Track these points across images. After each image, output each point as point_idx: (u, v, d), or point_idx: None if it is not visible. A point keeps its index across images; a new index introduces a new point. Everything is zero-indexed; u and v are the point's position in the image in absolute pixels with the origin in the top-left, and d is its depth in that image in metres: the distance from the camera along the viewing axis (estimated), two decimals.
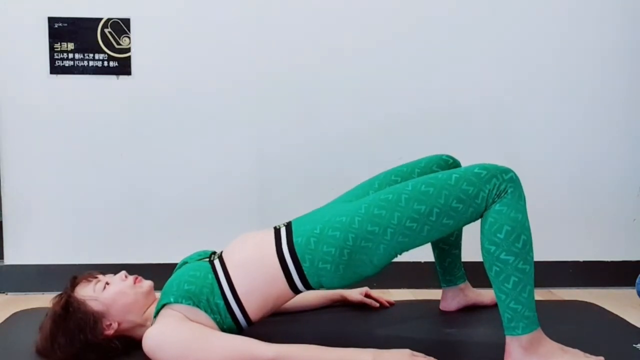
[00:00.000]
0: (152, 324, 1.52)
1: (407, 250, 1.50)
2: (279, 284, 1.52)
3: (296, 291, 1.55)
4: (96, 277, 1.59)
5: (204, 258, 1.65)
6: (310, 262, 1.49)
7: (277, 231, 1.58)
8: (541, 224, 2.35)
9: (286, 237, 1.54)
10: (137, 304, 1.57)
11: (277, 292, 1.53)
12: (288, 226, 1.58)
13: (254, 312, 1.53)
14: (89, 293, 1.54)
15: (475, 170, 1.45)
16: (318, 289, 1.55)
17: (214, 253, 1.68)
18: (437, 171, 1.70)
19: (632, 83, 2.44)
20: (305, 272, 1.50)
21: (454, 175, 1.45)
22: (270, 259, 1.52)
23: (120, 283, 1.58)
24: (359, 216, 1.47)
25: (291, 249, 1.51)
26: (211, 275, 1.53)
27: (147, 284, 1.62)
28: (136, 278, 1.61)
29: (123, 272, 1.61)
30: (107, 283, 1.57)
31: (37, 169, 2.36)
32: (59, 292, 1.57)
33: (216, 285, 1.52)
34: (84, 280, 1.58)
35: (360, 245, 1.46)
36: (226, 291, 1.51)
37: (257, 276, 1.52)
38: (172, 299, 1.50)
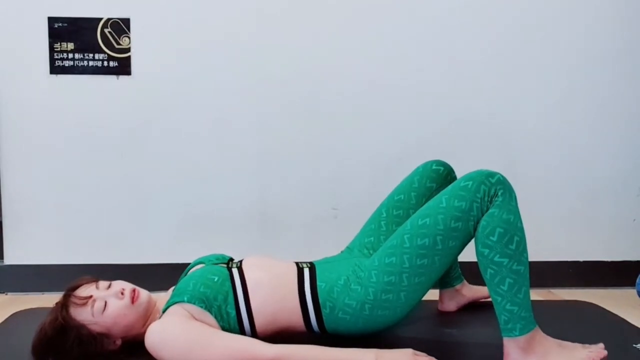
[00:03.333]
0: (158, 318, 1.52)
1: (427, 289, 1.51)
2: (294, 316, 1.54)
3: (310, 330, 1.56)
4: (90, 296, 1.49)
5: (221, 263, 1.65)
6: (330, 309, 1.51)
7: (300, 270, 1.59)
8: (541, 224, 2.37)
9: (309, 278, 1.55)
10: (139, 320, 1.54)
11: (290, 321, 1.54)
12: (311, 268, 1.59)
13: (262, 328, 1.53)
14: (87, 317, 1.48)
15: (462, 184, 1.45)
16: (332, 334, 1.56)
17: (231, 260, 1.68)
18: (432, 186, 1.73)
19: (632, 83, 2.44)
20: (323, 317, 1.52)
21: (443, 198, 1.46)
22: (291, 292, 1.53)
23: (118, 303, 1.50)
24: (374, 269, 1.49)
25: (314, 292, 1.53)
26: (228, 283, 1.53)
27: (145, 298, 1.55)
28: (133, 293, 1.52)
29: (119, 288, 1.52)
30: (104, 302, 1.49)
31: (37, 169, 2.36)
32: (52, 308, 1.51)
33: (231, 294, 1.52)
34: (77, 301, 1.49)
35: (381, 298, 1.47)
36: (240, 303, 1.52)
37: (274, 300, 1.53)
38: (185, 299, 1.49)
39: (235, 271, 1.57)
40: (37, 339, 1.50)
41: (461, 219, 1.43)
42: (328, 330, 1.54)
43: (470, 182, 1.44)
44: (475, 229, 1.45)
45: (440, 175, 1.74)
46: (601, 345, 1.46)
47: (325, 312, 1.52)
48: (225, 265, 1.62)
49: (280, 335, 1.54)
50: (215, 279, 1.53)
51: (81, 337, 1.47)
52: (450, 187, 1.49)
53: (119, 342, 1.53)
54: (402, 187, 1.76)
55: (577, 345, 1.47)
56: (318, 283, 1.54)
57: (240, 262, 1.64)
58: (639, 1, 2.41)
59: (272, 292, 1.53)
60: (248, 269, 1.58)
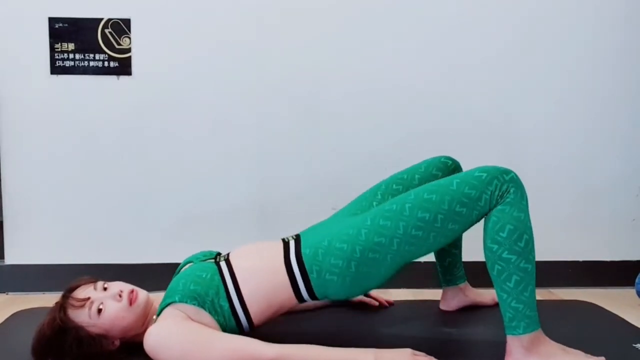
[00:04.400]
0: (154, 321, 1.52)
1: (414, 258, 1.51)
2: (285, 292, 1.54)
3: (301, 300, 1.57)
4: (88, 298, 1.50)
5: (209, 259, 1.65)
6: (317, 273, 1.51)
7: (285, 243, 1.60)
8: (541, 224, 2.35)
9: (294, 248, 1.56)
10: (137, 322, 1.54)
11: (282, 299, 1.55)
12: (297, 239, 1.60)
13: (257, 316, 1.54)
14: (84, 320, 1.48)
15: (476, 174, 1.46)
16: (323, 299, 1.57)
17: (219, 254, 1.68)
18: (438, 174, 1.73)
19: (632, 84, 2.44)
20: (312, 283, 1.52)
21: (455, 181, 1.46)
22: (278, 268, 1.54)
23: (115, 305, 1.50)
24: (365, 228, 1.49)
25: (299, 259, 1.53)
26: (217, 277, 1.54)
27: (143, 299, 1.55)
28: (131, 294, 1.53)
29: (117, 290, 1.52)
30: (101, 304, 1.49)
31: (37, 169, 2.36)
32: (51, 308, 1.52)
33: (222, 287, 1.52)
34: (75, 303, 1.49)
35: (367, 257, 1.47)
36: (232, 294, 1.52)
37: (263, 282, 1.53)
38: (177, 299, 1.50)
39: (223, 264, 1.58)
40: (36, 339, 1.50)
41: (467, 205, 1.44)
42: (318, 296, 1.54)
43: (485, 174, 1.45)
44: (477, 219, 1.46)
45: (447, 167, 1.75)
46: (602, 358, 1.46)
47: (312, 277, 1.51)
48: (213, 261, 1.62)
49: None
50: (204, 275, 1.54)
51: (80, 339, 1.47)
52: (464, 173, 1.50)
53: (117, 342, 1.54)
54: (408, 169, 1.76)
55: (580, 352, 1.47)
56: (302, 250, 1.54)
57: (228, 254, 1.64)
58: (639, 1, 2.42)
59: (262, 275, 1.54)
60: (235, 259, 1.59)
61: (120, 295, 1.52)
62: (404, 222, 1.45)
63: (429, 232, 1.46)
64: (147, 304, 1.57)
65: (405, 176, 1.74)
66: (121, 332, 1.53)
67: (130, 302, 1.52)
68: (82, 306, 1.49)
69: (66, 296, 1.53)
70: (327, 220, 1.69)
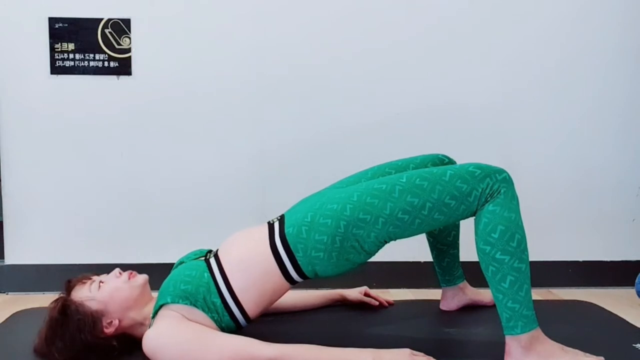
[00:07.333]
0: (150, 325, 1.52)
1: (397, 239, 1.51)
2: (274, 277, 1.53)
3: (292, 282, 1.56)
4: (90, 279, 1.60)
5: (199, 257, 1.66)
6: (303, 251, 1.50)
7: (270, 225, 1.59)
8: (541, 224, 2.37)
9: (279, 229, 1.55)
10: (134, 298, 1.58)
11: (273, 285, 1.54)
12: (281, 219, 1.59)
13: (251, 308, 1.54)
14: (85, 294, 1.55)
15: (470, 169, 1.46)
16: (313, 278, 1.56)
17: (210, 251, 1.69)
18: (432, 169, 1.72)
19: (631, 84, 2.44)
20: (299, 262, 1.51)
21: (448, 172, 1.46)
22: (264, 253, 1.53)
23: (114, 280, 1.59)
24: (350, 204, 1.48)
25: (283, 240, 1.52)
26: (207, 274, 1.54)
27: (142, 277, 1.63)
28: (130, 273, 1.62)
29: (117, 270, 1.63)
30: (101, 282, 1.58)
31: (37, 169, 2.36)
32: (56, 297, 1.58)
33: (212, 283, 1.52)
34: (78, 283, 1.59)
35: (351, 232, 1.47)
36: (222, 289, 1.52)
37: (252, 272, 1.53)
38: (169, 299, 1.50)
39: (212, 261, 1.58)
40: (43, 327, 1.53)
41: (457, 198, 1.44)
42: (308, 274, 1.53)
43: (479, 171, 1.45)
44: (462, 215, 1.46)
45: (442, 163, 1.74)
46: (601, 358, 1.46)
47: (298, 255, 1.50)
48: (203, 258, 1.63)
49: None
50: (193, 274, 1.54)
51: (79, 317, 1.49)
52: (458, 166, 1.50)
53: (116, 322, 1.54)
54: (404, 159, 1.75)
55: (579, 352, 1.47)
56: (286, 230, 1.53)
57: (217, 250, 1.64)
58: None
59: (249, 264, 1.53)
60: (223, 253, 1.59)
61: (120, 273, 1.61)
62: (392, 203, 1.45)
63: (414, 218, 1.46)
64: (145, 286, 1.62)
65: (400, 163, 1.73)
66: (120, 306, 1.55)
67: (129, 277, 1.60)
68: (84, 283, 1.58)
69: (70, 280, 1.61)
70: (311, 195, 1.66)
